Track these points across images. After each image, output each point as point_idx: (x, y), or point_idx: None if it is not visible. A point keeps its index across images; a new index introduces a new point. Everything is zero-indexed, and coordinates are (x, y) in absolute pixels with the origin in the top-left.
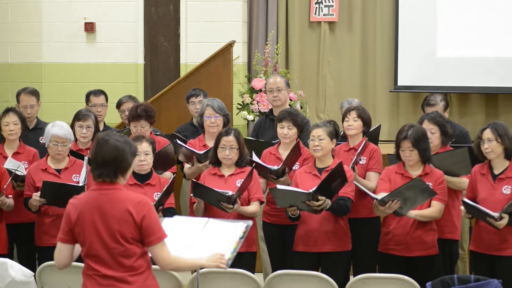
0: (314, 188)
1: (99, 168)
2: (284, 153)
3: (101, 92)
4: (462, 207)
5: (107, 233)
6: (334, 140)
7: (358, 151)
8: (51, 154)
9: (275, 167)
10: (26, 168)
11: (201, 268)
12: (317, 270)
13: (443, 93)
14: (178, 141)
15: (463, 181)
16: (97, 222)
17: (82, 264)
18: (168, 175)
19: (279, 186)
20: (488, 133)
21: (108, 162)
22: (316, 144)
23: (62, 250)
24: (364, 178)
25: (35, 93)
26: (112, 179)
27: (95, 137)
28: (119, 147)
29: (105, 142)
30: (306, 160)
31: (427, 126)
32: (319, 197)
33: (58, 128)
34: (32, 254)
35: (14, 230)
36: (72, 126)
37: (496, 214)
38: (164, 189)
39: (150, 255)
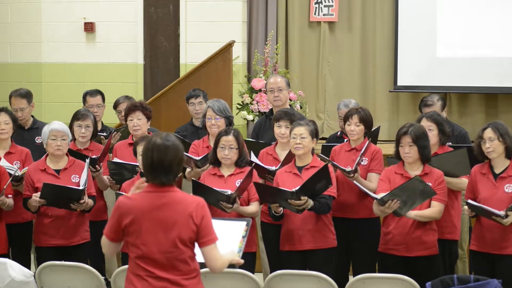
0: (297, 188)
1: (165, 174)
2: (281, 153)
3: (97, 92)
4: (465, 207)
5: (164, 236)
6: (315, 139)
7: (361, 152)
8: (50, 151)
9: (273, 168)
10: (19, 168)
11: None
12: (304, 269)
13: (442, 93)
14: None
15: (463, 181)
16: (154, 225)
17: (82, 265)
18: None
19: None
20: (489, 133)
21: (173, 166)
22: (298, 142)
23: (110, 247)
24: (365, 179)
25: (26, 96)
26: (171, 182)
27: (148, 140)
28: (180, 151)
29: (167, 147)
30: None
31: (425, 123)
32: (302, 197)
33: (55, 124)
34: (27, 255)
35: (8, 230)
36: (71, 126)
37: (502, 213)
38: None
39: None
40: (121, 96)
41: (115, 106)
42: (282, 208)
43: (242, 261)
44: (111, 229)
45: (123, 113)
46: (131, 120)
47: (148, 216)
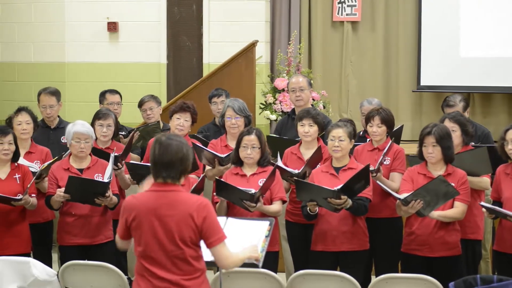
0: (339, 186)
1: (165, 170)
2: (305, 152)
3: (116, 91)
4: (483, 209)
5: (165, 235)
6: (353, 140)
7: (384, 152)
8: (74, 153)
9: (296, 171)
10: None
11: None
12: (335, 270)
13: (465, 93)
14: (200, 145)
15: (484, 180)
16: (155, 224)
17: (105, 264)
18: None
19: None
20: (511, 134)
21: (175, 163)
22: (336, 145)
23: (121, 244)
24: (388, 179)
25: (55, 93)
26: (175, 180)
27: (154, 138)
28: (184, 148)
29: (170, 144)
30: (327, 160)
31: (448, 124)
32: (342, 196)
33: (79, 126)
34: (48, 254)
35: (30, 230)
36: (92, 125)
37: None
38: (194, 186)
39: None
40: (146, 95)
41: (140, 104)
42: (318, 207)
43: (259, 256)
44: (120, 227)
45: (148, 112)
46: (178, 119)
47: (150, 214)
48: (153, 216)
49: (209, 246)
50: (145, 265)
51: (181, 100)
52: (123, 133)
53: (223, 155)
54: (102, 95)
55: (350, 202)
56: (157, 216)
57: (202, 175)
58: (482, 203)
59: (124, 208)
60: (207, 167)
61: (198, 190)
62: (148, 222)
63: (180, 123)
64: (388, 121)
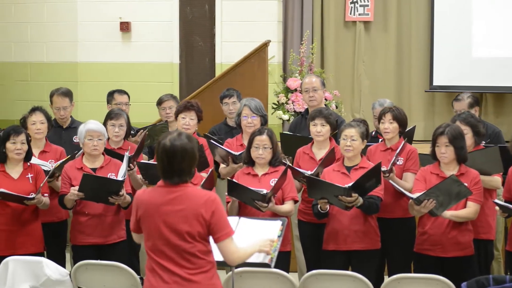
0: (350, 184)
1: (178, 176)
2: (317, 152)
3: (124, 92)
4: (497, 207)
5: (173, 230)
6: (365, 140)
7: (397, 152)
8: (87, 151)
9: (309, 172)
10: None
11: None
12: (347, 269)
13: (478, 93)
14: (214, 142)
15: (495, 179)
16: (163, 219)
17: (117, 263)
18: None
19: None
20: None
21: (185, 167)
22: (348, 145)
23: (136, 237)
24: (401, 179)
25: (68, 94)
26: (186, 181)
27: (158, 143)
28: (188, 151)
29: (175, 151)
30: (339, 159)
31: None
32: (353, 194)
33: (92, 124)
34: (62, 254)
35: (43, 230)
36: (104, 125)
37: None
38: (202, 183)
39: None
40: (166, 94)
41: (160, 103)
42: (328, 205)
43: (268, 249)
44: (132, 221)
45: (167, 110)
46: (184, 118)
47: (157, 210)
48: (160, 211)
49: (216, 240)
50: (156, 259)
51: (185, 100)
52: (132, 132)
53: (237, 153)
54: (110, 95)
55: (361, 200)
56: (165, 212)
57: (209, 171)
58: (496, 200)
59: (134, 202)
60: (221, 165)
61: (207, 189)
62: (155, 217)
63: (186, 122)
64: (400, 119)
